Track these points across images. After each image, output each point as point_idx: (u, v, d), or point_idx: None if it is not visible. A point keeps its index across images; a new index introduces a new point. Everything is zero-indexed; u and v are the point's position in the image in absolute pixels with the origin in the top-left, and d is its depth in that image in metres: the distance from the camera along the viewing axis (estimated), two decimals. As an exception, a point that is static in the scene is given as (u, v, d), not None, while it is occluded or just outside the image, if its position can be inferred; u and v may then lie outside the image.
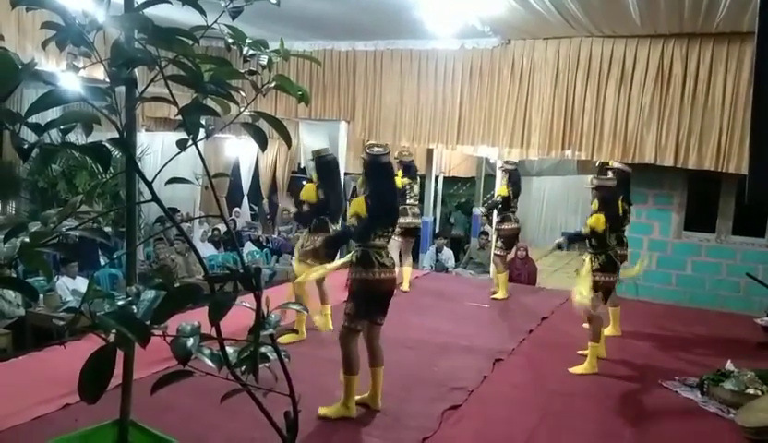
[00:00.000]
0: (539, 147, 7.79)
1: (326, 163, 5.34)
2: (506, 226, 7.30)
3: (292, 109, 9.08)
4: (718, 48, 6.86)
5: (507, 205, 7.31)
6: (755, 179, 2.47)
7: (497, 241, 7.47)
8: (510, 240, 7.43)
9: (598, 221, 5.07)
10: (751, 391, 4.32)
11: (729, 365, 4.73)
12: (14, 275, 1.28)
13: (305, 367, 4.54)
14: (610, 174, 5.78)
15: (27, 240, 1.24)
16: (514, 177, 7.34)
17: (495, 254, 7.49)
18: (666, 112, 7.13)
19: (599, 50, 7.35)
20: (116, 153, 1.61)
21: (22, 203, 9.21)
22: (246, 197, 14.48)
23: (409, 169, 7.23)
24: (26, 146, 1.26)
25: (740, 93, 6.77)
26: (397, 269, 4.35)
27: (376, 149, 4.04)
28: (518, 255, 8.79)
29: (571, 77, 7.52)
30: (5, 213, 9.05)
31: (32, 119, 1.26)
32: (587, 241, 5.18)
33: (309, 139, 13.26)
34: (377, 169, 3.98)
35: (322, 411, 3.83)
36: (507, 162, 7.48)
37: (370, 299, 3.90)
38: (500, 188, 7.50)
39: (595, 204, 5.17)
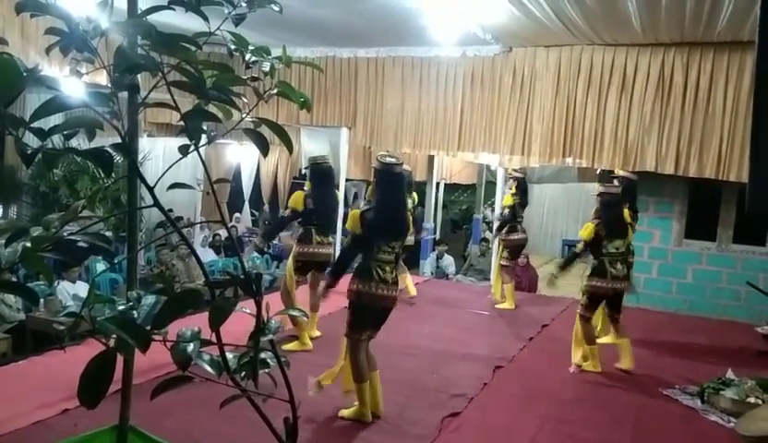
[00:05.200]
0: (540, 154, 7.80)
1: (320, 171, 5.32)
2: (513, 237, 7.25)
3: (293, 115, 9.10)
4: (719, 57, 6.88)
5: (513, 215, 7.27)
6: (756, 188, 2.47)
7: (503, 251, 7.42)
8: (516, 250, 7.37)
9: (586, 229, 5.20)
10: (752, 400, 4.31)
11: (730, 374, 4.73)
12: (14, 279, 1.28)
13: (305, 373, 4.54)
14: (616, 182, 5.77)
15: (28, 244, 1.24)
16: (522, 186, 7.29)
17: (501, 264, 7.43)
18: (666, 120, 7.14)
19: (600, 58, 7.37)
20: (118, 158, 1.62)
21: (24, 208, 9.22)
22: (246, 203, 14.49)
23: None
24: (29, 151, 1.27)
25: (741, 102, 6.79)
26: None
27: (389, 159, 3.97)
28: (518, 262, 8.78)
29: (572, 85, 7.54)
30: (6, 217, 9.06)
31: (35, 124, 1.26)
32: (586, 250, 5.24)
33: (311, 146, 13.31)
34: (387, 179, 3.91)
35: (343, 412, 3.93)
36: (516, 170, 7.46)
37: (365, 312, 3.89)
38: (505, 198, 7.44)
39: (596, 210, 5.23)
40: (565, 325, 6.75)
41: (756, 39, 2.44)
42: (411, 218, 4.10)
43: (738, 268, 7.71)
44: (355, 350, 3.89)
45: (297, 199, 5.27)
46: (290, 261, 5.37)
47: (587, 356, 5.23)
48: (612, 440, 3.97)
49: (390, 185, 3.91)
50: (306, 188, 5.38)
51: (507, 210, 7.34)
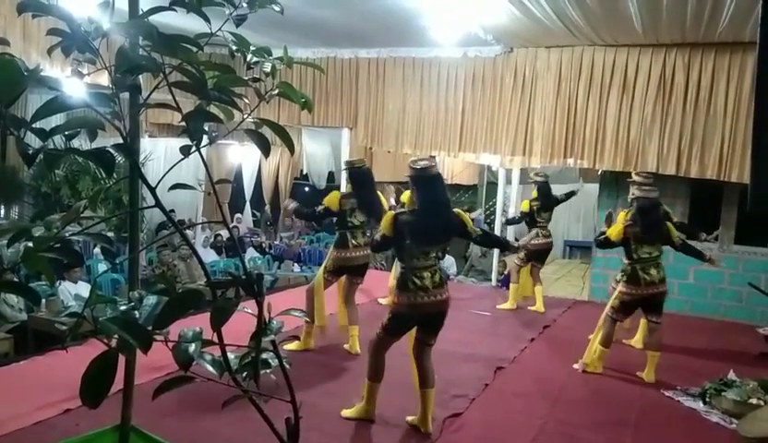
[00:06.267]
0: (541, 155, 7.79)
1: (361, 174, 5.26)
2: (534, 242, 7.18)
3: (295, 116, 9.10)
4: (720, 57, 6.88)
5: (532, 220, 7.18)
6: (757, 188, 2.47)
7: (519, 252, 7.37)
8: (537, 255, 7.28)
9: (615, 228, 5.09)
10: (754, 401, 4.30)
11: (732, 375, 4.72)
12: (16, 279, 1.28)
13: (307, 374, 4.55)
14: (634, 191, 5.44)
15: (30, 245, 1.24)
16: (544, 189, 7.20)
17: (514, 262, 7.41)
18: (668, 120, 7.14)
19: (601, 58, 7.37)
20: (120, 159, 1.62)
21: (25, 208, 9.23)
22: (248, 204, 14.51)
23: None
24: (31, 151, 1.27)
25: (742, 103, 6.78)
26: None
27: (421, 162, 3.80)
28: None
29: (573, 86, 7.54)
30: (8, 218, 9.07)
31: (37, 125, 1.27)
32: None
33: (312, 146, 13.32)
34: (424, 184, 3.73)
35: (345, 412, 3.92)
36: (537, 174, 7.37)
37: (404, 321, 3.83)
38: (523, 203, 7.34)
39: (632, 214, 5.14)
40: (566, 326, 6.76)
41: (757, 39, 2.44)
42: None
43: (739, 268, 7.69)
44: (378, 347, 3.87)
45: (333, 199, 5.20)
46: (326, 264, 5.31)
47: (593, 361, 5.18)
48: (613, 441, 3.96)
49: (428, 188, 3.74)
50: (343, 190, 5.32)
51: (519, 214, 7.29)
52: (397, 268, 6.04)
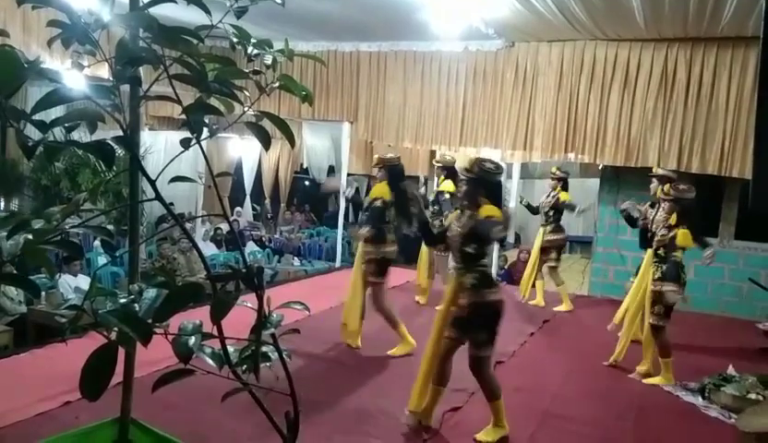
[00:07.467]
0: (542, 150, 7.79)
1: (399, 172, 5.18)
2: (561, 236, 7.20)
3: (295, 109, 9.09)
4: (722, 52, 6.86)
5: (558, 214, 7.15)
6: (759, 185, 2.45)
7: (550, 252, 7.26)
8: (559, 250, 7.32)
9: (686, 237, 4.71)
10: (753, 396, 4.32)
11: (731, 370, 4.74)
12: (16, 272, 1.28)
13: (307, 368, 4.56)
14: (683, 186, 5.05)
15: (30, 237, 1.24)
16: (565, 187, 7.17)
17: (551, 265, 7.28)
18: (669, 116, 7.13)
19: (603, 53, 7.35)
20: (120, 151, 1.61)
21: (25, 201, 9.23)
22: (248, 197, 14.51)
23: (456, 175, 6.45)
24: (30, 143, 1.27)
25: (744, 98, 6.77)
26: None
27: (488, 165, 3.65)
28: (520, 257, 8.76)
29: (575, 81, 7.52)
30: (8, 210, 9.06)
31: (37, 117, 1.26)
32: (657, 252, 4.90)
33: (312, 140, 13.30)
34: (497, 186, 3.65)
35: (480, 437, 3.71)
36: (559, 169, 7.27)
37: (499, 321, 3.65)
38: (563, 194, 7.14)
39: (673, 218, 4.80)
40: (566, 321, 6.76)
41: (761, 34, 2.43)
42: None
43: (740, 264, 7.70)
44: (489, 366, 3.68)
45: (384, 190, 5.07)
46: (369, 269, 5.09)
47: (650, 369, 5.06)
48: (613, 436, 3.97)
49: (498, 191, 3.66)
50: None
51: (569, 202, 7.14)
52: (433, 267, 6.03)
